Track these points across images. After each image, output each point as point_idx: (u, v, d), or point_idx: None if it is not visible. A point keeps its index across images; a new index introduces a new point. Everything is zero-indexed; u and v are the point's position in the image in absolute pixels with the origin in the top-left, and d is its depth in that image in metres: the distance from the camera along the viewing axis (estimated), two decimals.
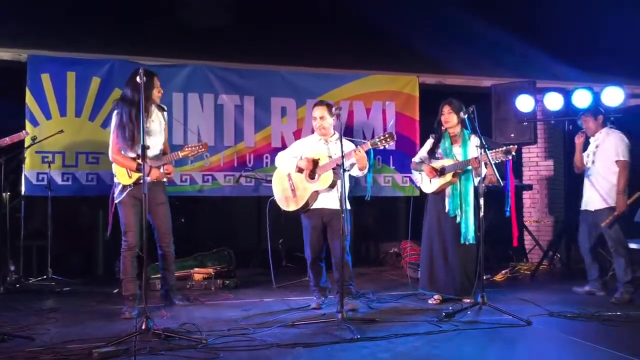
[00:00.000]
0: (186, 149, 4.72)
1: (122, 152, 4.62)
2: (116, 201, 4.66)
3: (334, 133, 4.85)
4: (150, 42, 6.50)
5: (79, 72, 6.26)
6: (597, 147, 5.35)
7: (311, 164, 4.71)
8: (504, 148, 4.65)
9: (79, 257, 7.00)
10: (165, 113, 4.89)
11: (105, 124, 6.24)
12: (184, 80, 6.58)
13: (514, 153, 4.62)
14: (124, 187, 4.63)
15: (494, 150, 4.65)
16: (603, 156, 5.27)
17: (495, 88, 7.33)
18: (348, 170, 4.66)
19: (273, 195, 5.00)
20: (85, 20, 6.37)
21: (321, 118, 4.77)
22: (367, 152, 4.56)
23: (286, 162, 4.86)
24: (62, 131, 5.92)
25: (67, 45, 6.28)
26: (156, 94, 4.74)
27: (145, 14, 6.68)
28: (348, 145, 4.71)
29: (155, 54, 6.56)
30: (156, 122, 4.78)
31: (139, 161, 4.41)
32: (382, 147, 4.59)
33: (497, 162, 4.65)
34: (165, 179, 4.84)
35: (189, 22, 6.66)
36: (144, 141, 3.96)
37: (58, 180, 6.12)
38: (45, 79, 6.16)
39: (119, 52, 6.40)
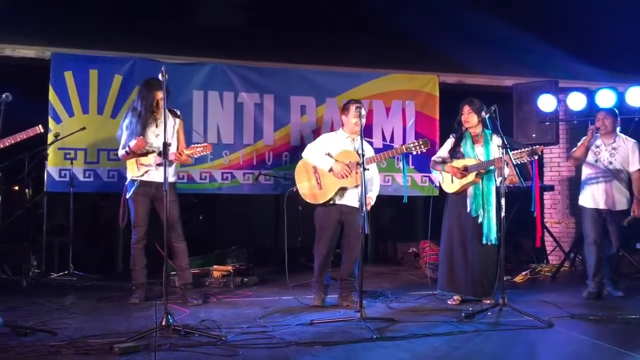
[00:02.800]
0: (191, 148, 4.83)
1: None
2: (127, 197, 4.92)
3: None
4: (171, 41, 6.54)
5: (101, 69, 6.32)
6: (614, 149, 5.31)
7: (347, 171, 4.66)
8: (529, 149, 4.60)
9: (99, 253, 7.07)
10: (178, 119, 4.98)
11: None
12: (205, 79, 6.62)
13: (539, 153, 4.57)
14: (133, 181, 4.87)
15: (519, 151, 4.61)
16: (623, 160, 5.28)
17: (517, 88, 7.26)
18: (368, 169, 4.65)
19: (291, 190, 4.97)
20: (107, 19, 6.44)
21: (362, 117, 4.69)
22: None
23: (319, 159, 4.78)
24: (84, 128, 5.98)
25: (90, 43, 6.34)
26: (155, 105, 4.87)
27: (167, 12, 6.72)
28: (368, 148, 4.80)
29: (176, 52, 6.60)
30: (168, 126, 4.85)
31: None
32: (415, 153, 4.68)
33: (521, 162, 4.61)
34: (175, 178, 5.07)
35: (210, 21, 6.70)
36: (165, 138, 4.02)
37: (80, 176, 6.19)
38: (68, 76, 6.23)
39: (140, 50, 6.46)
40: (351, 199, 4.76)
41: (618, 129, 5.36)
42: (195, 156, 4.91)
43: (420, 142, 4.60)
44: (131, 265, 4.99)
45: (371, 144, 6.73)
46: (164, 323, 3.71)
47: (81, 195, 6.32)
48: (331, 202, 4.76)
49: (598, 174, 5.32)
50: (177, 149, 4.88)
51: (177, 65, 6.40)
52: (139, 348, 3.46)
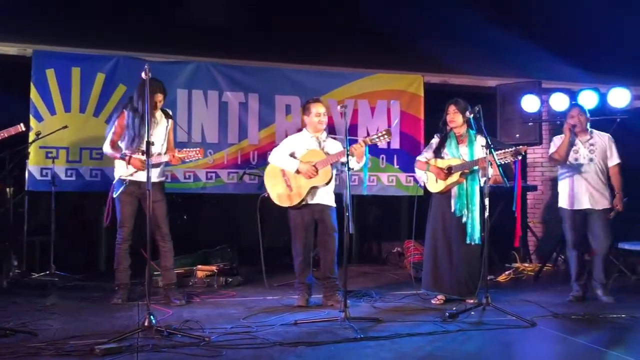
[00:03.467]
0: (183, 152, 4.83)
1: (113, 147, 4.89)
2: (114, 196, 4.88)
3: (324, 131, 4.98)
4: (155, 39, 6.48)
5: (83, 67, 6.26)
6: (592, 145, 5.20)
7: (314, 171, 4.73)
8: (514, 149, 4.62)
9: (82, 253, 7.00)
10: (171, 120, 5.00)
11: (110, 119, 6.24)
12: (189, 77, 6.58)
13: (523, 153, 4.60)
14: (122, 181, 4.83)
15: (503, 151, 4.63)
16: (602, 155, 5.19)
17: (501, 88, 7.31)
18: (352, 169, 4.66)
19: (265, 192, 5.03)
20: (90, 16, 6.35)
21: (324, 114, 4.87)
22: None
23: (284, 162, 4.85)
24: (66, 127, 5.92)
25: (73, 41, 6.27)
26: (154, 106, 4.85)
27: (150, 10, 6.66)
28: (336, 145, 4.88)
29: (160, 50, 6.56)
30: (161, 126, 4.91)
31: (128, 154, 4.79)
32: (380, 144, 4.79)
33: (505, 162, 4.63)
34: (163, 178, 5.04)
35: (194, 19, 6.64)
36: (149, 137, 3.99)
37: (62, 175, 6.12)
38: (50, 74, 6.15)
39: (124, 48, 6.40)
40: (323, 197, 4.84)
41: (589, 124, 5.28)
42: (187, 160, 4.90)
43: (384, 132, 4.66)
44: (115, 265, 4.96)
45: (355, 142, 6.74)
46: (146, 324, 3.68)
47: (63, 194, 6.24)
48: (303, 202, 4.79)
49: (578, 173, 5.17)
50: (167, 149, 4.88)
51: (160, 63, 6.36)
52: (120, 349, 3.43)
